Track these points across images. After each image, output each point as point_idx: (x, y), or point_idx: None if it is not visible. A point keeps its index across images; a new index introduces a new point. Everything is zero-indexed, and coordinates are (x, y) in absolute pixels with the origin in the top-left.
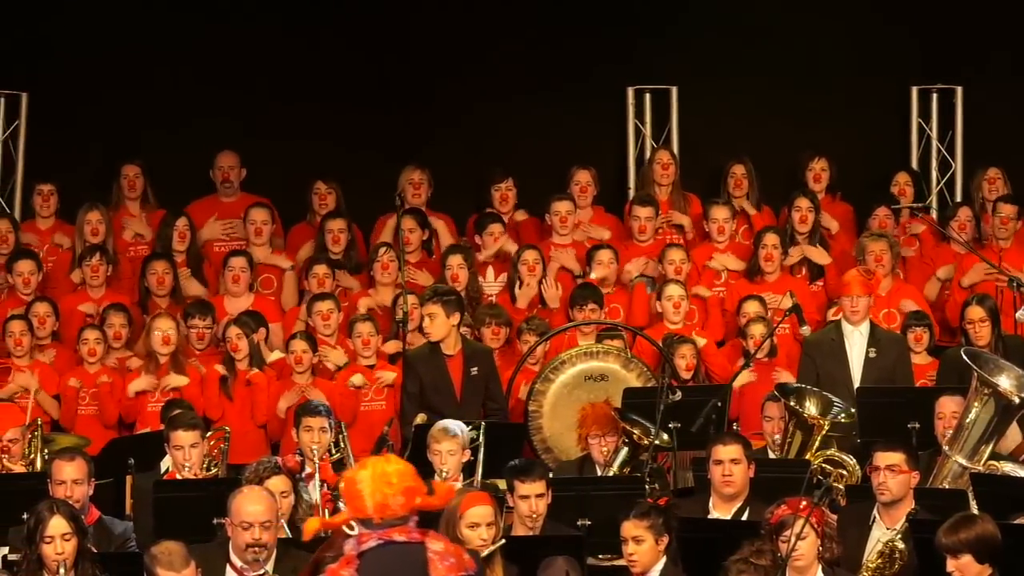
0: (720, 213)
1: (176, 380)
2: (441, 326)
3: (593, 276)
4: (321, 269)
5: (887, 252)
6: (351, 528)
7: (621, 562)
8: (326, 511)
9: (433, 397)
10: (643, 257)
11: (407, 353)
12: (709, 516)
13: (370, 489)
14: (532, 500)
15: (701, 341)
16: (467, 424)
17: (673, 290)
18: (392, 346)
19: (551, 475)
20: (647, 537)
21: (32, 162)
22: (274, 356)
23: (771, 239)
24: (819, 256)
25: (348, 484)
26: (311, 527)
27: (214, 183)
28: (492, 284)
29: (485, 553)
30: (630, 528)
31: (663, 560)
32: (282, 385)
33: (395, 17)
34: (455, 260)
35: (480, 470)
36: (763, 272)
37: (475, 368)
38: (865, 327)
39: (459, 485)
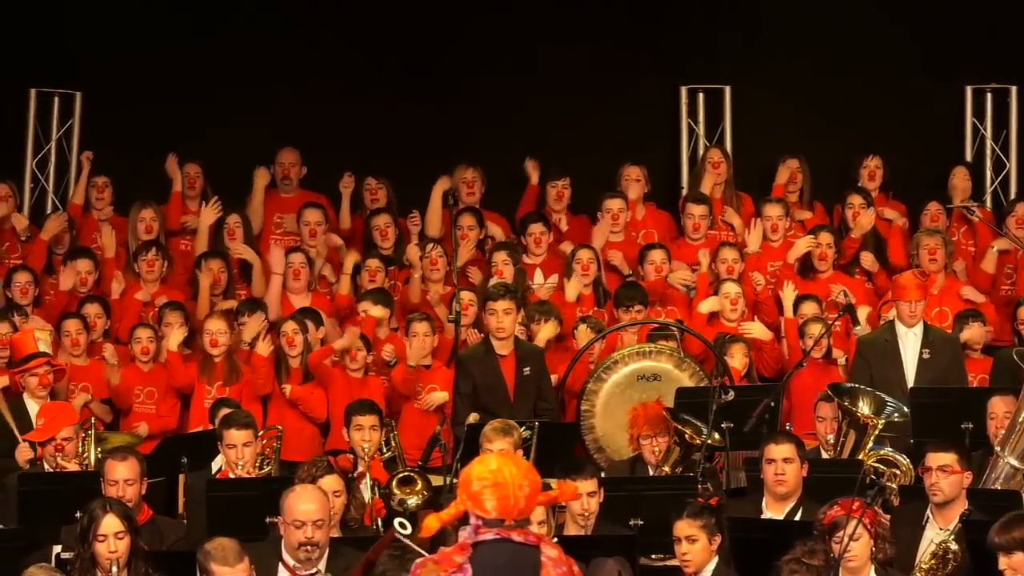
0: (773, 210)
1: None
2: (514, 323)
3: (702, 310)
4: (374, 263)
5: (940, 248)
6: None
7: (673, 562)
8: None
9: (486, 397)
10: (685, 268)
11: (460, 353)
12: (762, 516)
13: (508, 492)
14: (584, 499)
15: (755, 328)
16: (519, 424)
17: (729, 288)
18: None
19: (603, 474)
20: (700, 536)
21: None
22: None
23: (825, 238)
24: (868, 263)
25: (480, 484)
26: (432, 525)
27: (274, 180)
28: (543, 286)
29: None
30: (683, 527)
31: (715, 560)
32: (332, 385)
33: (450, 16)
34: (500, 257)
35: None
36: (816, 271)
37: (528, 368)
38: (919, 328)
39: None
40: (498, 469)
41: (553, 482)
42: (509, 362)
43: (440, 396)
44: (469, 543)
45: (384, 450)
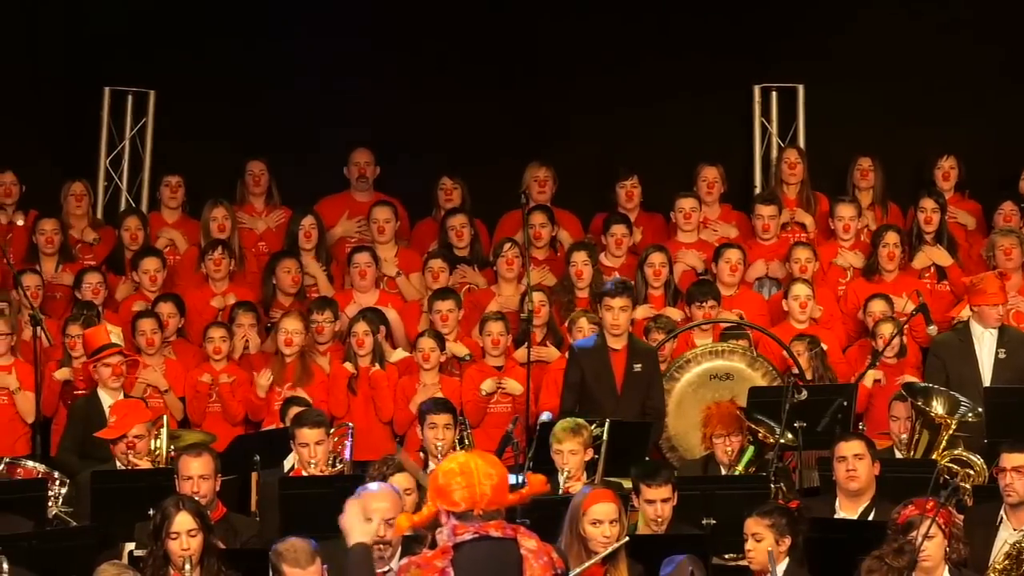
0: (846, 211)
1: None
2: (628, 319)
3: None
4: (437, 263)
5: (1016, 247)
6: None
7: (744, 561)
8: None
9: (594, 389)
10: (761, 261)
11: (572, 344)
12: (835, 516)
13: (473, 480)
14: (658, 505)
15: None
16: (591, 422)
17: (799, 289)
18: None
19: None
20: (767, 535)
21: (159, 159)
22: (398, 355)
23: (892, 238)
24: (941, 257)
25: (447, 477)
26: (402, 524)
27: (348, 180)
28: None
29: (608, 551)
30: (751, 525)
31: (786, 561)
32: (407, 382)
33: (523, 16)
34: (579, 257)
35: (602, 468)
36: (882, 271)
37: (638, 365)
38: (995, 327)
39: (580, 484)
40: (464, 461)
41: (627, 483)
42: (620, 357)
43: (517, 387)
44: (450, 546)
45: (457, 448)
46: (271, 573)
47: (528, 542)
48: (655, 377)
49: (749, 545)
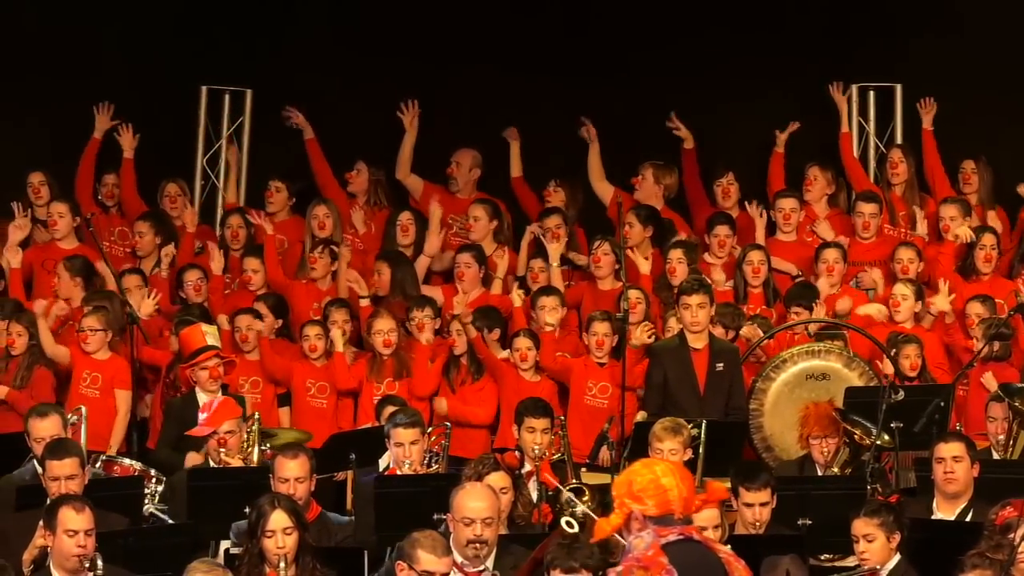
0: (949, 211)
1: None
2: (708, 317)
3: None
4: (537, 264)
5: None
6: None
7: (844, 562)
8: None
9: (676, 390)
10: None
11: (654, 344)
12: (932, 517)
13: (674, 483)
14: (756, 508)
15: (944, 305)
16: (688, 422)
17: (899, 288)
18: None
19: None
20: (878, 535)
21: (256, 158)
22: (501, 355)
23: (988, 240)
24: None
25: (646, 482)
26: (604, 528)
27: (450, 180)
28: (722, 286)
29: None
30: (860, 526)
31: (896, 557)
32: (504, 384)
33: (621, 10)
34: (675, 254)
35: (701, 468)
36: (979, 272)
37: (720, 364)
38: None
39: None
40: (663, 468)
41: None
42: (702, 356)
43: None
44: (659, 545)
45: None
46: (396, 562)
47: (719, 546)
48: (737, 376)
49: (861, 547)
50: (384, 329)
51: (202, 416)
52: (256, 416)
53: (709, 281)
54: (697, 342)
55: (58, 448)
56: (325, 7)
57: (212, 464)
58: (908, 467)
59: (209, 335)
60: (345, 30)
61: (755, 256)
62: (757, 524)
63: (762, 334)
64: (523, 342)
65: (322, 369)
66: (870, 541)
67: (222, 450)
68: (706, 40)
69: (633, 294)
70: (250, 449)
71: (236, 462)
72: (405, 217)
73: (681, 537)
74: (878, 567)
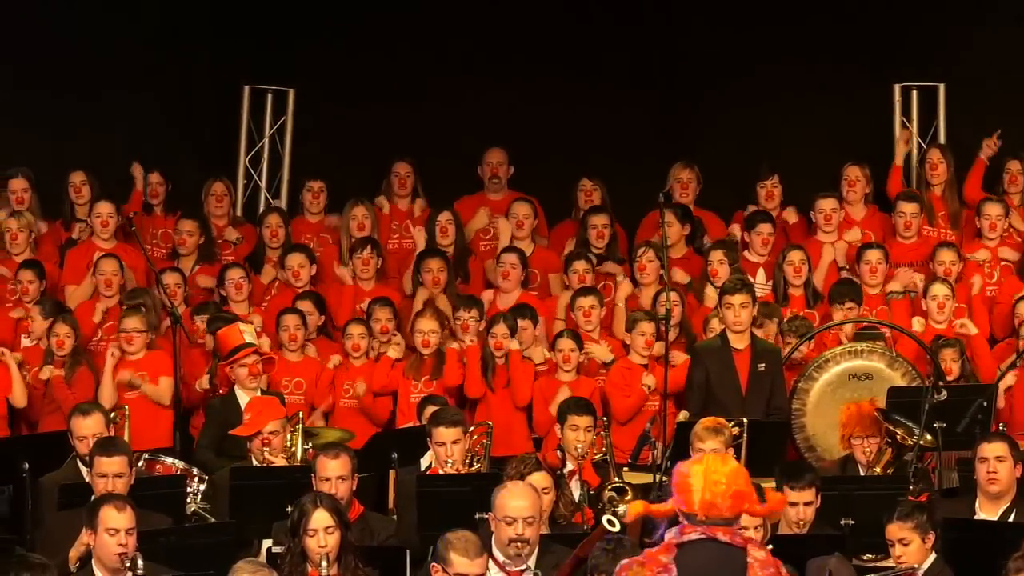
0: (993, 210)
1: None
2: (750, 316)
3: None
4: (581, 264)
5: None
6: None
7: (886, 563)
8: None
9: (718, 390)
10: (907, 269)
11: (696, 345)
12: (975, 517)
13: (700, 485)
14: (800, 507)
15: (973, 329)
16: (730, 421)
17: (938, 289)
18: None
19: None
20: (913, 538)
21: (298, 158)
22: (540, 355)
23: None
24: None
25: (680, 477)
26: (635, 510)
27: (481, 180)
28: (763, 286)
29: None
30: (895, 531)
31: (932, 556)
32: (545, 383)
33: (665, 17)
34: (716, 255)
35: None
36: None
37: (762, 365)
38: None
39: None
40: (707, 465)
41: (765, 485)
42: (744, 356)
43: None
44: (674, 543)
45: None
46: (433, 561)
47: (757, 552)
48: (779, 376)
49: (898, 551)
50: (425, 329)
51: (247, 416)
52: (300, 415)
53: (751, 281)
54: (739, 342)
55: (108, 445)
56: (366, 7)
57: (256, 463)
58: (951, 467)
59: (247, 333)
60: (384, 30)
61: (795, 256)
62: (801, 523)
63: None
64: (565, 343)
65: (360, 369)
66: (906, 544)
67: (266, 449)
68: (749, 42)
69: (672, 296)
70: (293, 448)
71: (280, 461)
72: (444, 218)
73: (702, 536)
74: (916, 566)
